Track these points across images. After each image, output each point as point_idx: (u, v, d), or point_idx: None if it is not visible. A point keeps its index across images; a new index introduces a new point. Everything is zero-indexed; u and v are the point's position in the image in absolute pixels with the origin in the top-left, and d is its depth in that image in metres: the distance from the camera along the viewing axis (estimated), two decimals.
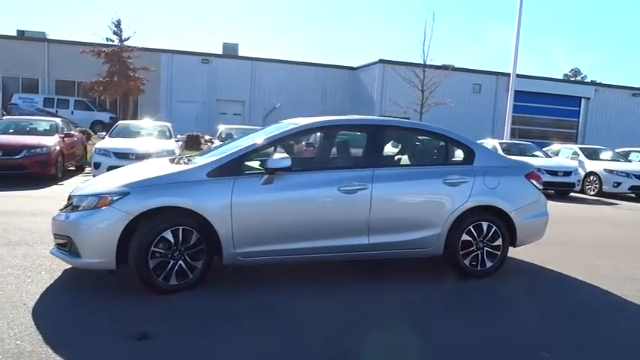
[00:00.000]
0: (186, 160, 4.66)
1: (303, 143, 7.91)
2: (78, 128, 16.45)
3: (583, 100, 32.99)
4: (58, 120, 12.70)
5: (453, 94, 25.93)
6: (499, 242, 4.74)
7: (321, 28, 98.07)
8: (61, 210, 4.18)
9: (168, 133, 12.81)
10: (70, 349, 2.93)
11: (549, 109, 32.30)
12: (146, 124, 14.06)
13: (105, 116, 29.63)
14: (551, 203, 5.64)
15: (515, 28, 19.23)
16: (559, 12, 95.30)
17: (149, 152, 10.93)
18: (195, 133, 19.45)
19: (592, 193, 13.95)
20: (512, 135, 30.29)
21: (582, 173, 13.86)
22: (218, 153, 4.40)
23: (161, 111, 28.71)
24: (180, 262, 3.90)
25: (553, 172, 12.81)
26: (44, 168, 10.31)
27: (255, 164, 4.43)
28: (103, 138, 12.24)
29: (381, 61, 29.98)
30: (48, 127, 11.96)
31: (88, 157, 13.29)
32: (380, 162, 4.53)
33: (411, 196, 4.54)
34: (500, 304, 4.21)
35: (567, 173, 13.07)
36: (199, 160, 4.39)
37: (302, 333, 3.36)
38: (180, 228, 3.87)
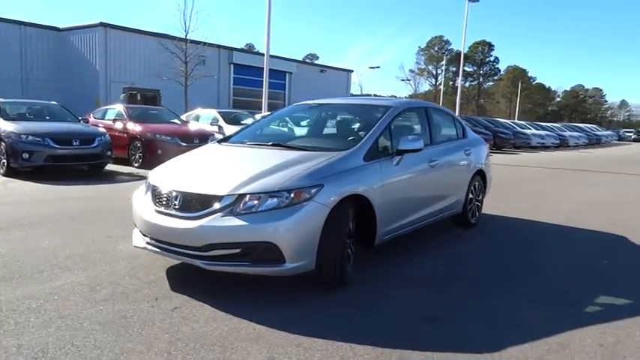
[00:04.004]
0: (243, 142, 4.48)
1: None
2: None
3: (287, 75, 37.77)
4: None
5: (178, 66, 24.68)
6: (481, 196, 6.18)
7: None
8: (196, 216, 3.37)
9: None
10: (380, 336, 2.87)
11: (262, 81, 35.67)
12: None
13: None
14: None
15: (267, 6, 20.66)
16: None
17: None
18: None
19: None
20: (235, 106, 32.45)
21: (217, 138, 14.47)
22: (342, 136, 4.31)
23: None
24: (349, 250, 3.83)
25: None
26: None
27: None
28: None
29: (102, 24, 26.91)
30: None
31: None
32: (436, 139, 5.23)
33: (454, 166, 5.45)
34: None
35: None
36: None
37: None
38: (352, 216, 3.79)
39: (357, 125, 4.71)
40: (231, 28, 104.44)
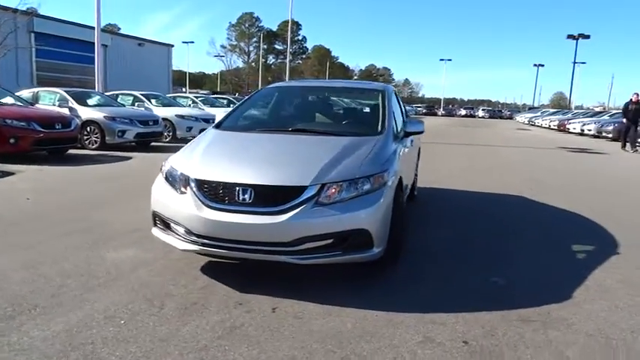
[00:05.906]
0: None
1: None
2: None
3: (102, 47, 33.79)
4: None
5: None
6: (417, 170, 6.85)
7: None
8: (281, 210, 3.17)
9: None
10: (480, 302, 3.23)
11: (76, 55, 31.43)
12: None
13: None
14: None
15: None
16: None
17: None
18: None
19: (93, 146, 11.57)
20: (40, 83, 28.10)
21: (78, 123, 10.81)
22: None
23: None
24: None
25: None
26: None
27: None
28: None
29: None
30: None
31: None
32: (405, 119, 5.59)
33: (415, 144, 5.87)
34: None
35: None
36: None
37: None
38: None
39: (363, 108, 4.82)
40: None
